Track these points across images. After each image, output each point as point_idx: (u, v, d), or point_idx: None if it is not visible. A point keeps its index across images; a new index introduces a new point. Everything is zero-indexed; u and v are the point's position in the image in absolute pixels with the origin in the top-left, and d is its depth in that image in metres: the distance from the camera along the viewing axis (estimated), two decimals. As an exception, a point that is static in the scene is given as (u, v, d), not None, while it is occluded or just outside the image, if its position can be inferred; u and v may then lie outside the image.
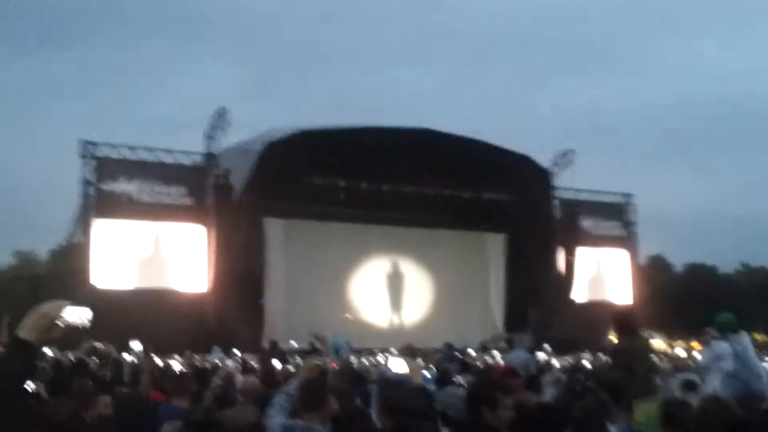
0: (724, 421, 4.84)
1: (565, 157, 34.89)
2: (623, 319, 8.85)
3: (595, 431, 5.35)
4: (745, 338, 8.63)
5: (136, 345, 18.60)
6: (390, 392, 5.37)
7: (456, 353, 13.67)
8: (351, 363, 13.94)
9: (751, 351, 8.57)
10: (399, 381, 6.21)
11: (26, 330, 2.95)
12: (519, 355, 12.01)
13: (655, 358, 9.70)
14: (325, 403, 5.30)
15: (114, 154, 28.80)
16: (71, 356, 15.32)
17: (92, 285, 26.54)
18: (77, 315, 3.03)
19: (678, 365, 12.69)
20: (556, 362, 17.63)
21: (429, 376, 10.58)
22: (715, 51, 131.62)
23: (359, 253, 34.07)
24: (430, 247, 35.03)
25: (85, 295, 23.68)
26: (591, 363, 13.46)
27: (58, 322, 2.99)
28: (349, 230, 33.30)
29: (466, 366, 13.35)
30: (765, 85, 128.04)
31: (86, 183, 28.22)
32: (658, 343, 21.54)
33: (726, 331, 8.62)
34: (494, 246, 36.37)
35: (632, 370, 7.94)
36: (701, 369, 9.04)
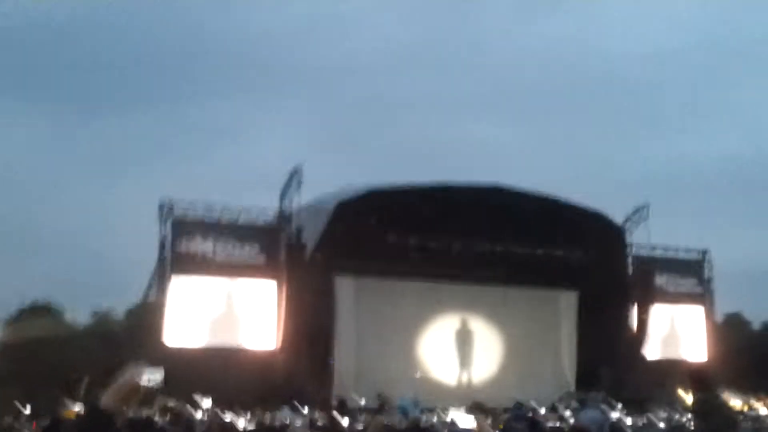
0: None
1: (640, 213, 34.45)
2: (699, 377, 8.67)
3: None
4: None
5: (206, 402, 18.86)
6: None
7: (525, 412, 13.49)
8: (419, 420, 13.94)
9: None
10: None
11: (110, 396, 2.95)
12: (592, 415, 11.78)
13: (735, 415, 9.49)
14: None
15: (191, 213, 29.54)
16: (144, 414, 15.61)
17: (164, 343, 27.09)
18: (150, 376, 3.11)
19: (758, 425, 12.30)
20: (628, 421, 17.34)
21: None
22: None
23: (429, 311, 33.86)
24: (501, 304, 34.64)
25: (157, 353, 24.18)
26: (664, 421, 13.18)
27: (138, 386, 3.03)
28: (419, 288, 33.21)
29: (534, 425, 13.17)
30: None
31: (163, 242, 29.01)
32: (735, 402, 20.88)
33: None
34: (566, 303, 35.85)
35: (718, 425, 7.79)
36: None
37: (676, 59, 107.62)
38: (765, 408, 27.75)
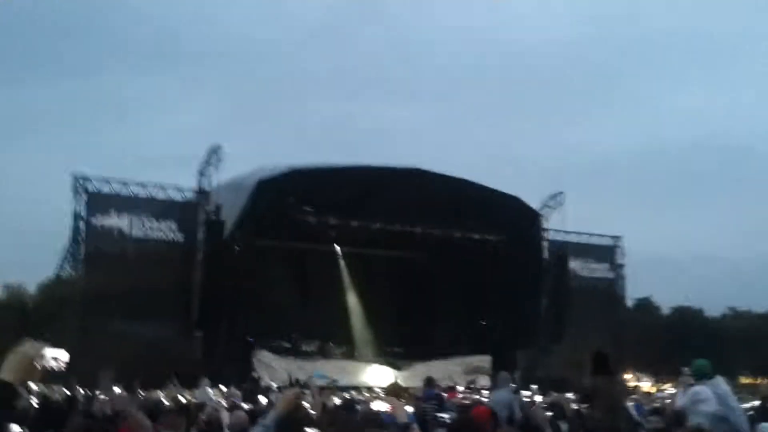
0: None
1: (555, 199, 35.13)
2: (600, 360, 9.06)
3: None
4: (722, 382, 8.83)
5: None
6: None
7: (434, 392, 13.73)
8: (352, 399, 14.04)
9: (731, 394, 8.81)
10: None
11: (6, 370, 2.94)
12: (501, 394, 12.30)
13: (628, 398, 9.88)
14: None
15: (106, 189, 28.95)
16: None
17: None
18: (54, 358, 3.04)
19: (656, 407, 12.77)
20: (539, 399, 17.78)
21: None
22: (706, 95, 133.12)
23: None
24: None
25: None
26: (575, 401, 13.55)
27: (37, 364, 3.01)
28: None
29: (442, 402, 13.46)
30: (753, 126, 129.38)
31: (77, 217, 28.35)
32: (645, 383, 21.59)
33: (702, 376, 8.81)
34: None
35: (608, 409, 8.12)
36: (679, 411, 9.18)
37: (582, 51, 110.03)
38: (673, 389, 28.69)
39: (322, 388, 16.87)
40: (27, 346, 3.03)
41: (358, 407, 11.54)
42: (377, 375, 30.47)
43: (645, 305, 55.34)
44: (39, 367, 3.00)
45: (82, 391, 16.23)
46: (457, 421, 5.83)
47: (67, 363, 3.12)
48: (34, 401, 12.55)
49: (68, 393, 15.31)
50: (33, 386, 16.01)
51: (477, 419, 5.71)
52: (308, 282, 34.66)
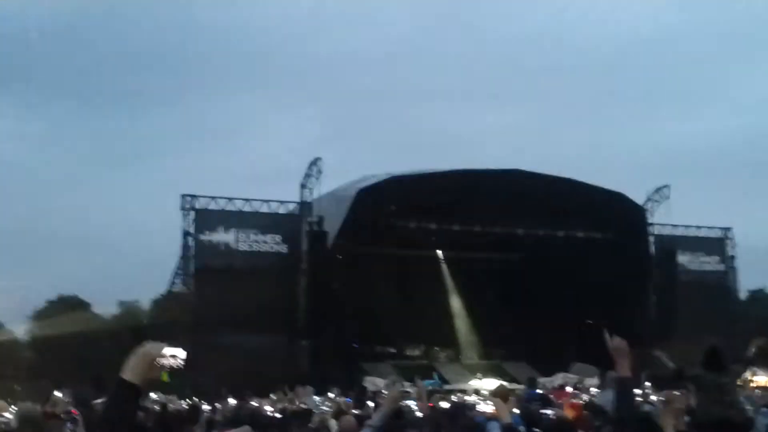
0: None
1: (660, 193, 34.32)
2: (713, 355, 8.89)
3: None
4: None
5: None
6: None
7: (537, 393, 13.66)
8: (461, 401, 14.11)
9: None
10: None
11: (129, 371, 3.00)
12: (609, 394, 12.10)
13: (741, 392, 9.65)
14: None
15: (212, 206, 29.88)
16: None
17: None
18: (173, 355, 3.19)
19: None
20: (654, 398, 17.36)
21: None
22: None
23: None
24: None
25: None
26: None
27: (159, 362, 3.07)
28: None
29: (547, 402, 13.33)
30: None
31: (186, 234, 29.36)
32: (761, 378, 20.81)
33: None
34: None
35: (717, 403, 7.99)
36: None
37: (679, 40, 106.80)
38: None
39: (430, 393, 16.98)
40: (148, 346, 3.08)
41: (467, 410, 11.60)
42: (483, 378, 30.38)
43: (760, 297, 53.42)
44: (160, 366, 3.06)
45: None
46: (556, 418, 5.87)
47: (185, 360, 3.23)
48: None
49: (187, 403, 15.86)
50: (153, 395, 16.75)
51: (574, 415, 5.73)
52: (411, 287, 34.84)
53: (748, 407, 10.70)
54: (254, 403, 16.22)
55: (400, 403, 7.69)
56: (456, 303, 34.87)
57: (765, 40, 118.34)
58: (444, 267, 34.71)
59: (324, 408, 14.67)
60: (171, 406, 16.00)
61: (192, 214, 29.41)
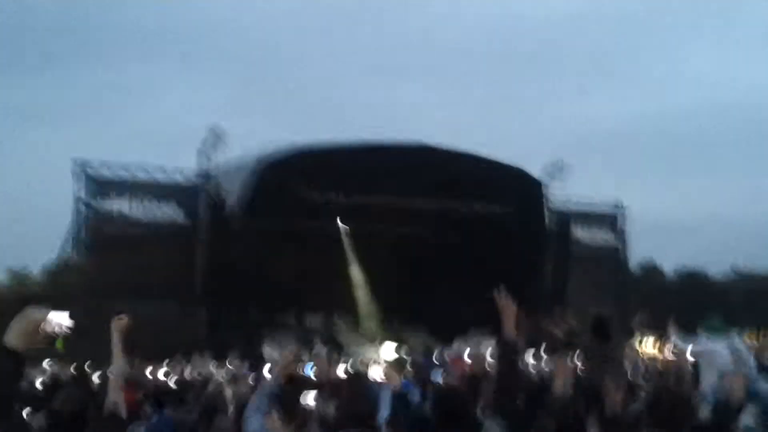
0: None
1: (556, 166, 35.00)
2: (598, 324, 9.17)
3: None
4: (738, 340, 8.91)
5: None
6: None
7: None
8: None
9: (747, 351, 8.90)
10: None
11: (12, 336, 2.93)
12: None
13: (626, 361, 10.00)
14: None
15: (107, 173, 29.03)
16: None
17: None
18: (58, 322, 3.05)
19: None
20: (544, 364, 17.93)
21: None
22: (704, 60, 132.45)
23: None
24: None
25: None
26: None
27: (43, 328, 3.00)
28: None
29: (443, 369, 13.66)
30: (756, 91, 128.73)
31: (78, 200, 28.45)
32: (648, 344, 21.74)
33: (716, 332, 8.87)
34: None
35: (605, 372, 8.21)
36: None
37: (574, 23, 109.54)
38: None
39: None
40: (31, 312, 3.03)
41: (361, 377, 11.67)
42: (382, 348, 30.65)
43: (650, 271, 55.44)
44: (43, 332, 3.00)
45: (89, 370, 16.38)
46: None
47: (69, 327, 3.12)
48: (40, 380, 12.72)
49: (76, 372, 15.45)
50: (45, 366, 16.25)
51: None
52: (311, 259, 34.71)
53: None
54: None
55: (293, 368, 7.67)
56: (357, 274, 34.94)
57: (674, 24, 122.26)
58: (345, 239, 34.69)
59: (220, 378, 14.55)
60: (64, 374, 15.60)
61: (84, 180, 28.53)
